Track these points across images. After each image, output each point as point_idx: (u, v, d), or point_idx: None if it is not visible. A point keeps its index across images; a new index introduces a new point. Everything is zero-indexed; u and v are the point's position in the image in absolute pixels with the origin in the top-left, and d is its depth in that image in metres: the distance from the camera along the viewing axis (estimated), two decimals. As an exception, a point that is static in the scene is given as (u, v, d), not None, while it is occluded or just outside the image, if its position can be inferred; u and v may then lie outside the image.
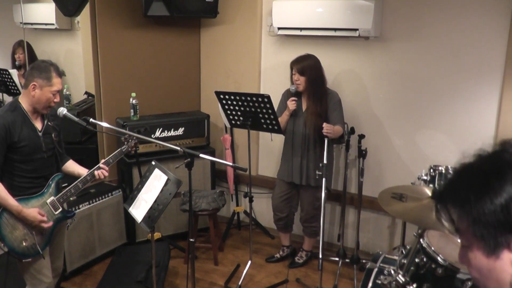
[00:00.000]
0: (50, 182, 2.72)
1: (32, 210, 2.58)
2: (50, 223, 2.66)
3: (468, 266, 0.91)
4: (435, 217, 0.95)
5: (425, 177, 3.04)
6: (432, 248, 2.21)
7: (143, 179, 2.79)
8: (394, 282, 2.27)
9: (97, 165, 2.78)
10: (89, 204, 3.75)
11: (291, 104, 3.54)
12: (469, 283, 2.10)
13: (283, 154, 3.81)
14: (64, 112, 2.74)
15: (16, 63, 4.49)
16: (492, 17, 3.30)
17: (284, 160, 3.78)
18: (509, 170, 0.82)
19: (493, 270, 0.84)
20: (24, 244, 2.59)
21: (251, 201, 3.56)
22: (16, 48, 4.52)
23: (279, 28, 3.99)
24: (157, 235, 3.61)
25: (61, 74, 2.65)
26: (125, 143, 2.92)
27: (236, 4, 4.31)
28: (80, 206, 3.67)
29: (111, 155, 2.85)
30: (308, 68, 3.52)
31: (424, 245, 2.25)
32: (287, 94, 3.67)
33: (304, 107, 3.62)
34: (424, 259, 2.23)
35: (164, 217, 4.04)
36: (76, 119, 2.73)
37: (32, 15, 4.53)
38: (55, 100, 2.62)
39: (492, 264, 0.84)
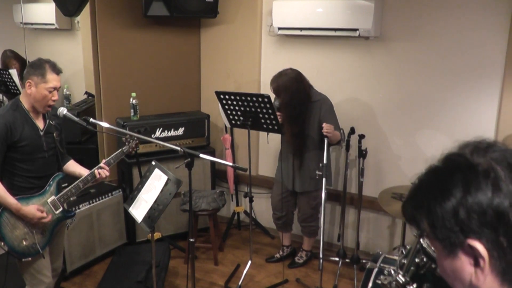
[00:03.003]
0: (51, 182, 2.72)
1: (31, 207, 2.58)
2: (50, 216, 2.65)
3: (438, 267, 0.94)
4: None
5: (425, 177, 3.03)
6: (432, 248, 2.21)
7: (143, 179, 2.79)
8: (394, 282, 2.27)
9: (98, 165, 2.77)
10: (89, 204, 3.75)
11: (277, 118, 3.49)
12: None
13: (278, 156, 3.84)
14: (64, 112, 2.74)
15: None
16: (492, 17, 3.30)
17: (279, 164, 3.83)
18: (457, 174, 0.84)
19: (455, 271, 0.87)
20: (24, 243, 2.59)
21: (251, 201, 3.56)
22: (8, 62, 4.49)
23: (279, 28, 3.98)
24: (157, 235, 3.61)
25: (57, 71, 2.61)
26: (126, 143, 2.92)
27: (236, 4, 4.31)
28: (80, 206, 3.67)
29: (112, 155, 2.85)
30: (282, 89, 3.41)
31: (424, 245, 2.24)
32: (274, 106, 3.54)
33: None
34: (424, 259, 2.23)
35: (164, 217, 4.04)
36: (76, 119, 2.73)
37: (32, 15, 4.54)
38: (53, 98, 2.59)
39: (452, 264, 0.87)
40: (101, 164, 2.78)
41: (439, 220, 0.84)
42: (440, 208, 0.84)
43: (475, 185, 0.81)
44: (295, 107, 3.44)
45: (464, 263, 0.85)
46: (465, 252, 0.84)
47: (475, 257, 0.83)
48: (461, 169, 0.85)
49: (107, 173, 2.78)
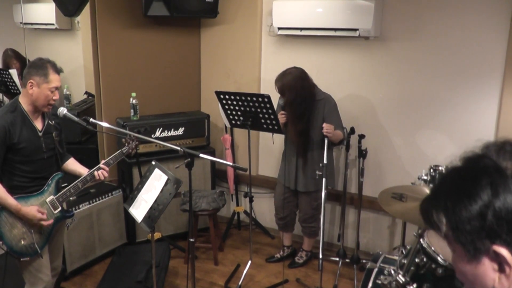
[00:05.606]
0: (50, 181, 2.72)
1: (31, 208, 2.57)
2: (51, 221, 2.66)
3: (456, 271, 0.91)
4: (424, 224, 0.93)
5: (425, 177, 3.03)
6: (432, 248, 2.22)
7: (143, 179, 2.79)
8: (394, 282, 2.27)
9: (97, 166, 2.77)
10: (89, 204, 3.75)
11: (281, 117, 3.48)
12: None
13: (282, 157, 3.83)
14: (64, 112, 2.74)
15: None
16: (492, 17, 3.30)
17: (282, 164, 3.82)
18: (485, 176, 0.80)
19: (477, 276, 0.84)
20: (22, 242, 2.58)
21: (251, 201, 3.56)
22: (9, 61, 4.49)
23: (279, 28, 3.99)
24: (157, 235, 3.61)
25: (58, 70, 2.63)
26: (126, 144, 2.92)
27: (236, 4, 4.31)
28: (80, 206, 3.67)
29: (112, 156, 2.85)
30: (287, 88, 3.43)
31: (424, 245, 2.25)
32: (278, 105, 3.60)
33: None
34: (424, 259, 2.23)
35: (164, 217, 4.04)
36: (76, 119, 2.73)
37: (32, 15, 4.54)
38: (54, 97, 2.60)
39: (475, 269, 0.83)
40: (101, 165, 2.78)
41: (464, 223, 0.80)
42: (466, 211, 0.80)
43: (504, 189, 0.78)
44: (300, 105, 3.46)
45: (488, 269, 0.81)
46: (490, 258, 0.80)
47: (500, 262, 0.80)
48: (488, 171, 0.81)
49: (106, 174, 2.78)
